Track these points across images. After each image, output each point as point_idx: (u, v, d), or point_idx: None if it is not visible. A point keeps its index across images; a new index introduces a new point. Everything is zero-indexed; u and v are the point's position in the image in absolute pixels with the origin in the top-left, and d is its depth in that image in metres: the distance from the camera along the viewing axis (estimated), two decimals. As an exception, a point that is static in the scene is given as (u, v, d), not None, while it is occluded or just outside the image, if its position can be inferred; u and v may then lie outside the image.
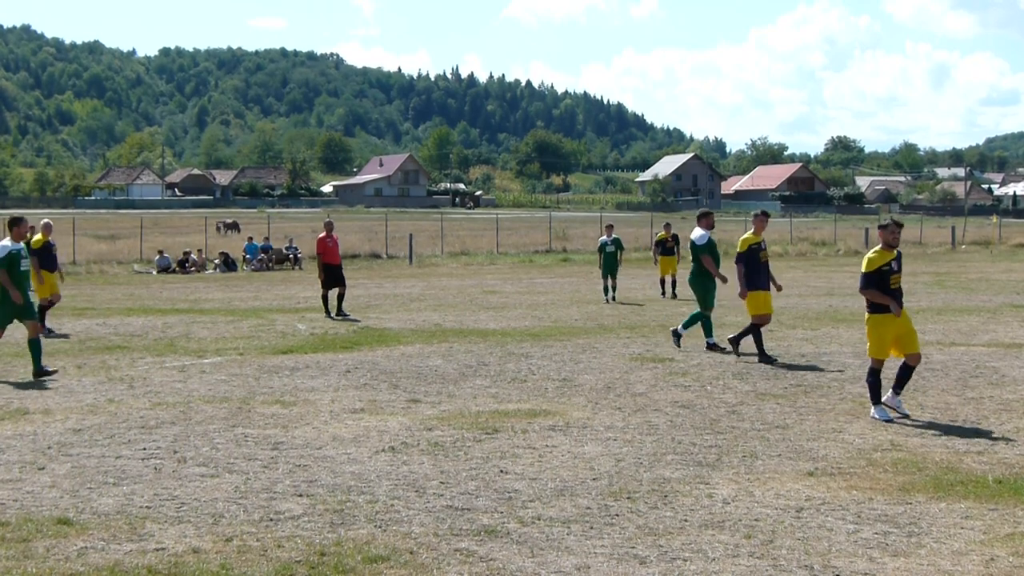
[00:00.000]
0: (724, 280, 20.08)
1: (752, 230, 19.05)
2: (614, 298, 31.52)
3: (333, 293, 27.54)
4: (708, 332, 20.29)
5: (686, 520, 8.97)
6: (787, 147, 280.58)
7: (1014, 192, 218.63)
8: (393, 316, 27.15)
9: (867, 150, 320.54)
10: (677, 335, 20.53)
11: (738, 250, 18.87)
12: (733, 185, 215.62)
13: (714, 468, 10.84)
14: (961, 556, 8.03)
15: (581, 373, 17.32)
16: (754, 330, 18.73)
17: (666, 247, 33.98)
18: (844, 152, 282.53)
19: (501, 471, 10.70)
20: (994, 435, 12.44)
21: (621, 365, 18.21)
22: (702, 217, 20.58)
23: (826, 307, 29.16)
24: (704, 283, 20.13)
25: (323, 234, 27.86)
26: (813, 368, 17.72)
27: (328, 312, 27.04)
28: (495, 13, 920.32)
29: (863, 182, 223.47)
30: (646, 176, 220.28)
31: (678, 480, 10.31)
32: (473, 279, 43.16)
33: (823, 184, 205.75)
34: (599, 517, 9.06)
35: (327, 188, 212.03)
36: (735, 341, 19.13)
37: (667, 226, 35.04)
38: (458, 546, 8.29)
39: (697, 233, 20.08)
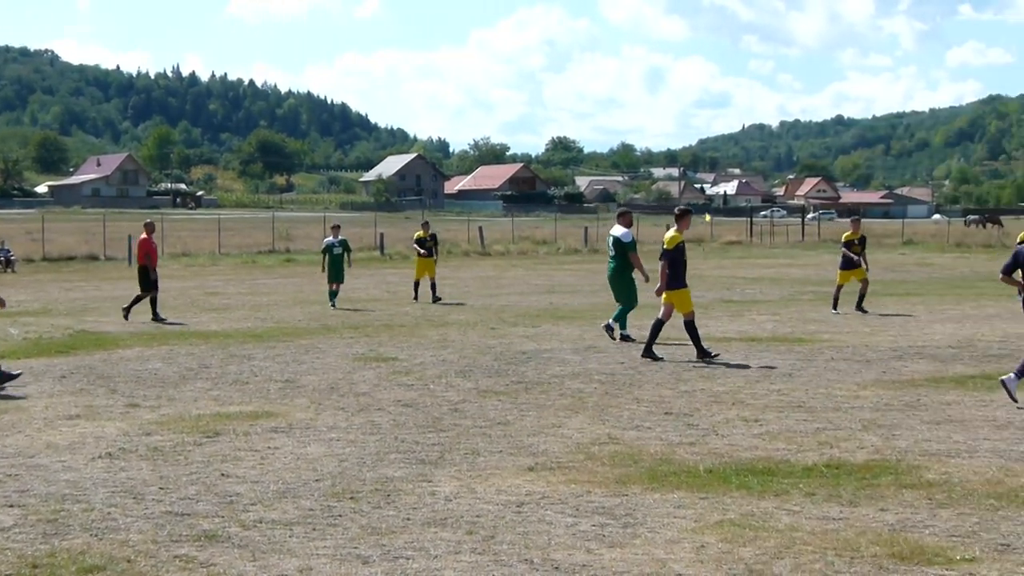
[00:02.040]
0: (647, 279, 20.76)
1: (676, 227, 18.83)
2: (334, 304, 29.55)
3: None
4: (623, 324, 21.01)
5: (409, 519, 9.01)
6: (509, 147, 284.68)
7: (724, 191, 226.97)
8: (111, 319, 26.43)
9: (586, 150, 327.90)
10: (610, 329, 20.94)
11: (665, 247, 18.60)
12: (456, 185, 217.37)
13: (437, 466, 10.92)
14: (674, 544, 8.29)
15: (304, 374, 17.21)
16: (690, 327, 18.62)
17: (425, 246, 32.07)
18: (564, 152, 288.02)
19: (222, 475, 10.55)
20: (705, 426, 12.89)
21: (345, 365, 18.17)
22: (623, 215, 21.27)
23: (547, 304, 29.70)
24: (627, 279, 20.72)
25: (144, 235, 26.96)
26: (533, 363, 18.04)
27: (128, 308, 26.42)
28: (217, 12, 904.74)
29: (582, 182, 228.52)
30: (370, 176, 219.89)
31: (401, 479, 10.35)
32: (195, 280, 42.36)
33: (544, 184, 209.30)
34: (322, 518, 9.03)
35: (42, 188, 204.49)
36: (649, 351, 18.70)
37: (426, 225, 33.05)
38: (177, 552, 8.14)
39: (621, 231, 20.68)
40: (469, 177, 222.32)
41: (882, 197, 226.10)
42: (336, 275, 30.25)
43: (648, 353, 18.63)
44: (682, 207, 19.60)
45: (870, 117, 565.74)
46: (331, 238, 31.04)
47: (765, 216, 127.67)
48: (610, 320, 21.43)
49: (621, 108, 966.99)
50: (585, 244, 68.70)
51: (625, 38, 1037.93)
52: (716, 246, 72.05)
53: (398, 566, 7.83)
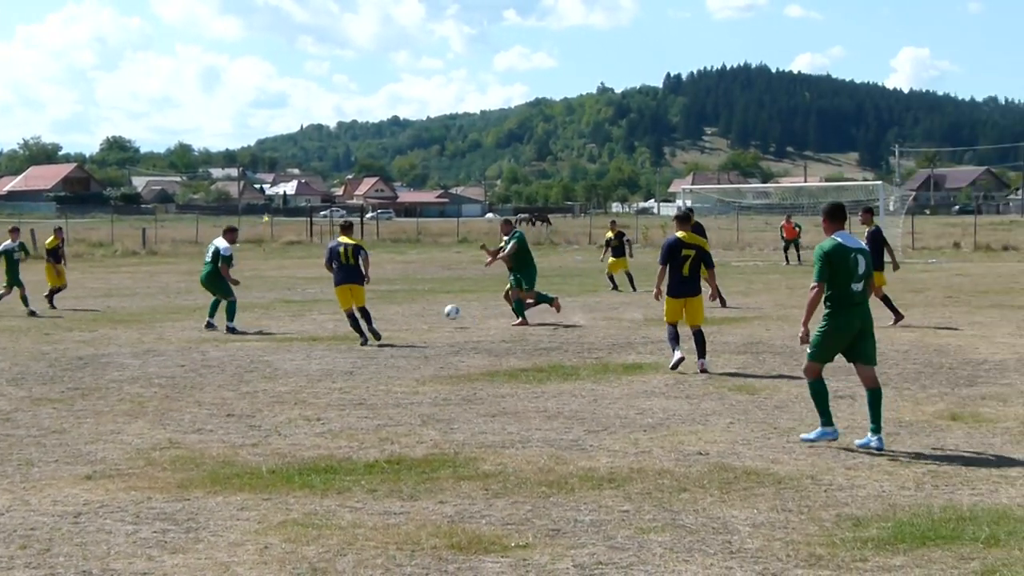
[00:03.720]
0: (237, 283, 23.78)
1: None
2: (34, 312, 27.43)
3: None
4: (231, 316, 23.12)
5: (-43, 535, 8.60)
6: (61, 147, 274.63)
7: (284, 192, 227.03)
8: None
9: (143, 150, 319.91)
10: (212, 326, 23.17)
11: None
12: (5, 186, 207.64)
13: (-13, 479, 10.46)
14: (237, 547, 8.26)
15: None
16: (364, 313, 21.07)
17: (58, 255, 30.57)
18: (120, 152, 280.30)
19: None
20: (268, 427, 12.89)
21: None
22: (229, 231, 24.61)
23: (104, 308, 28.89)
24: (221, 282, 23.32)
25: None
26: (90, 368, 17.53)
27: None
28: None
29: (139, 182, 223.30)
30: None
31: (-52, 495, 9.86)
32: None
33: (99, 184, 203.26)
34: None
35: None
36: (370, 333, 20.76)
37: (58, 231, 31.99)
38: None
39: (224, 244, 23.65)
40: (19, 178, 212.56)
41: (438, 196, 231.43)
42: (16, 279, 28.73)
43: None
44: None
45: (424, 118, 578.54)
46: (10, 242, 29.39)
47: (325, 216, 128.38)
48: (209, 319, 23.37)
49: (177, 108, 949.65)
50: (143, 246, 67.09)
51: (179, 37, 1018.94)
52: (276, 246, 71.88)
53: (-54, 586, 7.48)
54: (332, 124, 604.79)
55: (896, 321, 22.44)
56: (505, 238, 24.61)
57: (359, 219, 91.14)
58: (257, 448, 11.75)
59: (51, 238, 31.36)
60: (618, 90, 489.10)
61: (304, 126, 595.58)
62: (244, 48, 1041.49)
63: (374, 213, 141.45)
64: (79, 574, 7.70)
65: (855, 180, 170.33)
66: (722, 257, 51.06)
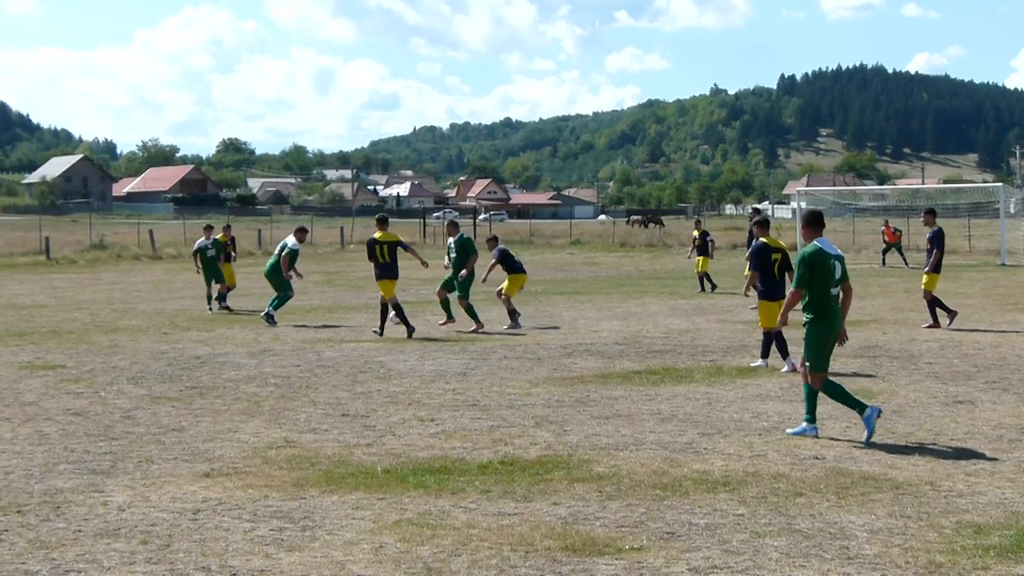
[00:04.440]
0: (301, 276, 26.77)
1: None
2: (211, 308, 28.81)
3: None
4: (275, 305, 25.37)
5: (80, 530, 8.75)
6: (179, 149, 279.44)
7: (398, 193, 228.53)
8: None
9: (258, 152, 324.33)
10: (270, 317, 24.84)
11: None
12: (125, 187, 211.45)
13: (109, 475, 10.64)
14: (352, 546, 8.32)
15: (-35, 384, 16.45)
16: (397, 308, 22.77)
17: (227, 252, 31.18)
18: (235, 154, 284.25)
19: None
20: (382, 427, 12.97)
21: (9, 374, 17.46)
22: (299, 231, 26.37)
23: (221, 307, 29.26)
24: (280, 275, 25.56)
25: None
26: (207, 367, 17.77)
27: None
28: None
29: (255, 184, 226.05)
30: (33, 178, 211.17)
31: (71, 490, 10.04)
32: None
33: (216, 186, 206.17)
34: (-13, 534, 8.68)
35: None
36: (383, 322, 22.77)
37: (227, 228, 32.04)
38: None
39: (292, 240, 25.82)
40: (138, 179, 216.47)
41: (550, 198, 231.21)
42: (214, 275, 29.69)
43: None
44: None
45: (537, 120, 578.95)
46: (204, 239, 30.30)
47: (438, 217, 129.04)
48: (269, 310, 25.12)
49: (291, 110, 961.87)
50: (259, 246, 67.89)
51: (293, 40, 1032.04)
52: (390, 247, 72.26)
53: (69, 580, 7.61)
54: (444, 126, 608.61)
55: (932, 325, 22.99)
56: (451, 240, 24.58)
57: (471, 220, 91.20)
58: (371, 448, 11.83)
59: (220, 234, 31.45)
60: (731, 91, 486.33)
61: (417, 128, 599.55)
62: (357, 50, 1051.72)
63: (487, 215, 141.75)
64: (198, 570, 7.80)
65: (974, 182, 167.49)
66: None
